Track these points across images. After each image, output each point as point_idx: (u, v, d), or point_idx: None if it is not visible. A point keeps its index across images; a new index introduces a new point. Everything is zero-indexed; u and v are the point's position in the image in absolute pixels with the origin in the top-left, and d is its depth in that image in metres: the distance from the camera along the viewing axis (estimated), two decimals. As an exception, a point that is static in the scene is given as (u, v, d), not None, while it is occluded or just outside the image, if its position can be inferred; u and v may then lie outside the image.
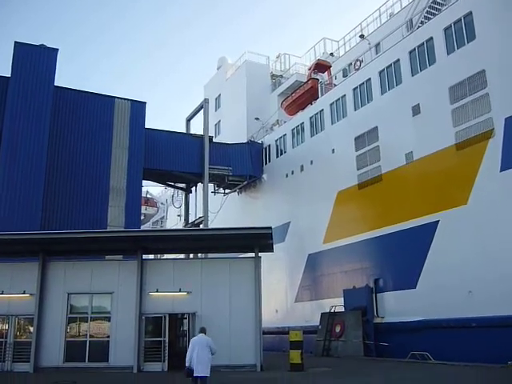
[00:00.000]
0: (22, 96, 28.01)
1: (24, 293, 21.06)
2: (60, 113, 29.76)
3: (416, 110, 25.93)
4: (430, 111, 25.26)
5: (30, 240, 20.66)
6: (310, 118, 34.90)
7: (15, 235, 20.43)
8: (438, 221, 23.85)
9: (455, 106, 23.80)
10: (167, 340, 20.28)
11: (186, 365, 12.59)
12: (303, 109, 37.06)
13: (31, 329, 21.05)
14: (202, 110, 37.66)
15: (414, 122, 26.04)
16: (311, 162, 33.77)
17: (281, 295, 34.77)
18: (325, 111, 33.33)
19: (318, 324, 28.86)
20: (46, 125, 28.35)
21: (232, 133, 42.67)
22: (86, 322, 21.18)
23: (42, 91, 28.65)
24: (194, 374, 12.35)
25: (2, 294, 21.06)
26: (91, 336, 20.97)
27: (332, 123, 32.57)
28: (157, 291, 20.89)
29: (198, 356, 12.44)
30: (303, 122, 35.63)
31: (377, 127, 28.37)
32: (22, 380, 17.48)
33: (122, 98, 32.39)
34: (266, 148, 39.56)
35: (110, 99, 32.04)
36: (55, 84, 29.38)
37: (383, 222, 27.07)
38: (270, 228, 19.20)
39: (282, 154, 37.92)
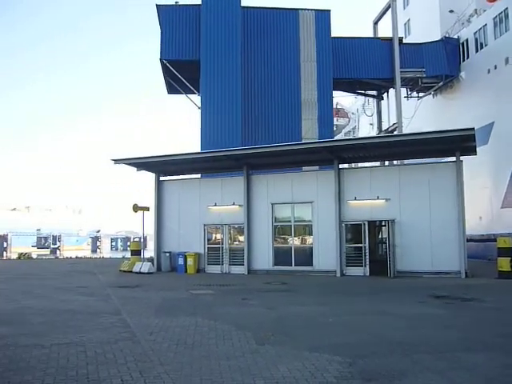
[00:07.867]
0: (214, 22, 29.48)
1: (233, 204, 23.18)
2: (249, 32, 30.81)
3: None
4: None
5: (235, 156, 22.27)
6: (516, 1, 30.66)
7: (224, 151, 22.15)
8: None
9: None
10: (367, 246, 20.75)
11: None
12: (507, -8, 32.62)
13: (240, 237, 23.27)
14: (390, 10, 35.49)
15: None
16: (518, 53, 30.02)
17: (485, 201, 32.69)
18: (534, -9, 28.96)
19: (529, 230, 26.78)
20: (238, 46, 29.67)
21: (424, 31, 39.58)
22: (290, 230, 22.63)
23: (231, 13, 29.79)
24: None
25: (215, 205, 23.47)
26: (295, 243, 22.47)
27: (544, 4, 28.29)
28: (355, 199, 21.23)
29: None
30: (507, 8, 31.41)
31: None
32: (243, 279, 19.66)
33: (305, 9, 32.02)
34: (462, 43, 36.06)
35: (294, 12, 31.95)
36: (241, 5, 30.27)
37: None
38: (473, 129, 17.79)
39: (482, 47, 34.25)
